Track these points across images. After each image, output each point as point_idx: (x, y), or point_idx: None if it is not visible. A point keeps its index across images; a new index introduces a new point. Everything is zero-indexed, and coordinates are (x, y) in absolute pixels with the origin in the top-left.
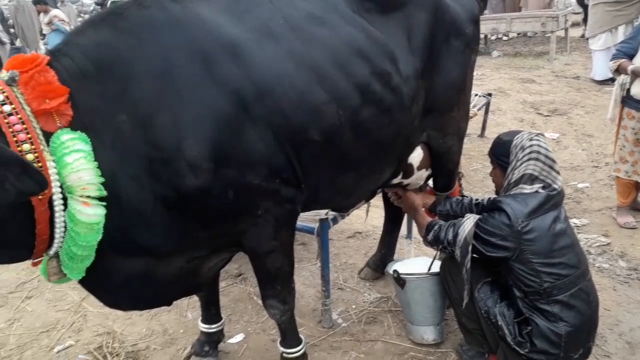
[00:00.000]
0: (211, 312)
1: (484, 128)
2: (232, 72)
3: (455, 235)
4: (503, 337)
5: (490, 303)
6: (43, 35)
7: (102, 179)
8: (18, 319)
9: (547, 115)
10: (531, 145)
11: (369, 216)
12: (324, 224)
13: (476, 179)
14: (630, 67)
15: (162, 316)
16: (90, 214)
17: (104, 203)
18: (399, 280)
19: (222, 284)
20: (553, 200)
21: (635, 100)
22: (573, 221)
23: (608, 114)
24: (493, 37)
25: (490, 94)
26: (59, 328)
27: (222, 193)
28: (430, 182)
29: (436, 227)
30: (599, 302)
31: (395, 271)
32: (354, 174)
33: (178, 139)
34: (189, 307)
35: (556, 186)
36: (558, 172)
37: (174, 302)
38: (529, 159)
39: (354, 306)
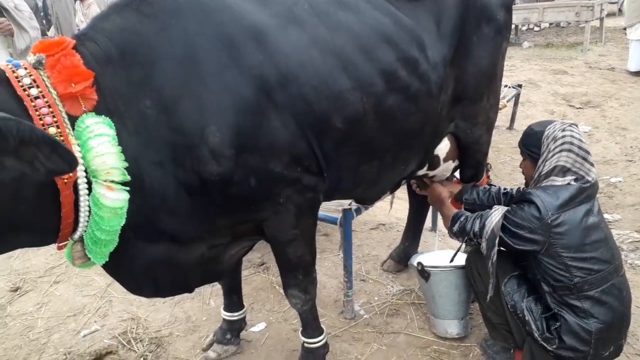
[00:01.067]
0: (233, 300)
1: (513, 120)
2: (255, 58)
3: (482, 227)
4: (530, 332)
5: (518, 297)
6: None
7: (125, 164)
8: (46, 303)
9: (580, 108)
10: (564, 136)
11: (393, 208)
12: (347, 214)
13: (504, 172)
14: None
15: (186, 303)
16: (114, 199)
17: (128, 188)
18: (423, 273)
19: (244, 273)
20: (586, 192)
21: None
22: (605, 216)
23: None
24: (524, 28)
25: (520, 85)
26: (86, 313)
27: (243, 180)
28: (457, 174)
29: (462, 218)
30: (632, 299)
31: (419, 263)
32: (377, 163)
33: (201, 125)
34: (212, 295)
35: (590, 178)
36: (592, 164)
37: (197, 290)
38: (561, 150)
39: (376, 298)
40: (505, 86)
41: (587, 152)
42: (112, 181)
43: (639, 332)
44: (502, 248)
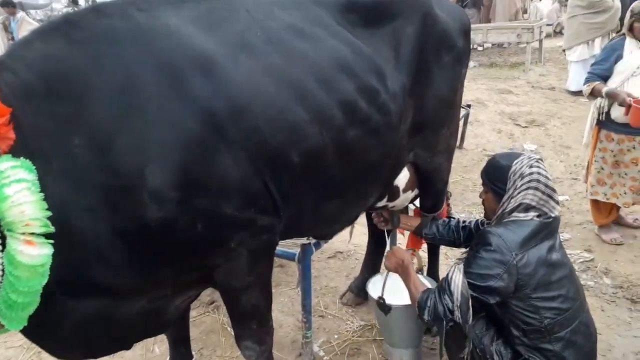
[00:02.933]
0: (180, 351)
1: (462, 139)
2: (201, 88)
3: (452, 297)
4: None
5: (487, 341)
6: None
7: (48, 213)
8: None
9: (525, 127)
10: (531, 173)
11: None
12: (307, 249)
13: (456, 191)
14: (604, 90)
15: (126, 352)
16: (34, 255)
17: (51, 241)
18: (384, 307)
19: (192, 313)
20: (548, 228)
21: (615, 122)
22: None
23: (584, 139)
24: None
25: (469, 105)
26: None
27: (189, 225)
28: (417, 202)
29: (429, 303)
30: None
31: (380, 298)
32: (338, 200)
33: (139, 165)
34: (157, 341)
35: (552, 214)
36: (557, 202)
37: None
38: (528, 188)
39: (336, 336)
40: None
41: (553, 190)
42: (33, 234)
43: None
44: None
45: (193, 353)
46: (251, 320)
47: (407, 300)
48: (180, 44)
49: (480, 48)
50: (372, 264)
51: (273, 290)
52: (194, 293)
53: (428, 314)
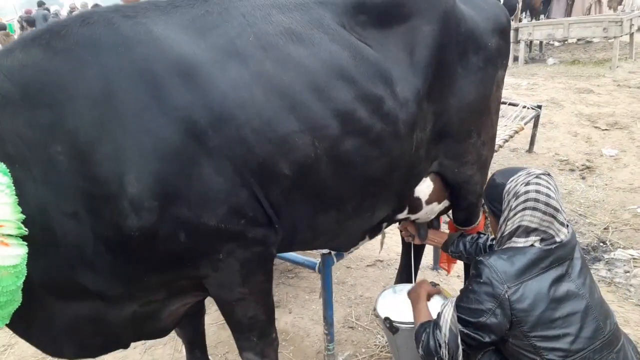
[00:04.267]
0: (196, 355)
1: (532, 143)
2: (182, 97)
3: (440, 331)
4: None
5: None
6: None
7: (22, 216)
8: (12, 345)
9: (605, 129)
10: (527, 192)
11: (394, 242)
12: (327, 259)
13: None
14: None
15: (157, 350)
16: (8, 256)
17: (25, 242)
18: (392, 328)
19: (220, 317)
20: (553, 255)
21: None
22: (630, 252)
23: None
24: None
25: (539, 106)
26: (49, 358)
27: (171, 235)
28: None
29: (423, 337)
30: None
31: (387, 319)
32: (336, 213)
33: (119, 173)
34: None
35: (559, 239)
36: (563, 223)
37: (171, 335)
38: (524, 209)
39: (363, 349)
40: (524, 107)
41: (556, 210)
42: (9, 235)
43: None
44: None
45: (211, 358)
46: (250, 333)
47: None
48: (162, 51)
49: (557, 43)
50: (406, 276)
51: (305, 297)
52: (191, 300)
53: (421, 347)
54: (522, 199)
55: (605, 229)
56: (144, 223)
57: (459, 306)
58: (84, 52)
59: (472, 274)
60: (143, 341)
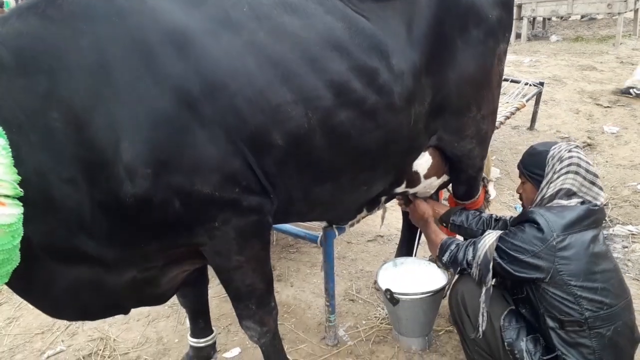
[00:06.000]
0: (199, 324)
1: (534, 120)
2: (175, 66)
3: (475, 252)
4: None
5: (515, 335)
6: None
7: (18, 177)
8: (17, 318)
9: (607, 107)
10: (571, 157)
11: (395, 217)
12: (329, 232)
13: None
14: None
15: (160, 322)
16: (4, 214)
17: (20, 203)
18: (392, 299)
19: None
20: (594, 216)
21: None
22: (629, 228)
23: None
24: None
25: (542, 83)
26: (54, 330)
27: (166, 203)
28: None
29: (453, 247)
30: None
31: (388, 291)
32: (331, 185)
33: (114, 141)
34: None
35: (598, 202)
36: (601, 188)
37: (174, 308)
38: (567, 172)
39: (364, 322)
40: (526, 84)
41: (595, 176)
42: (5, 195)
43: None
44: (499, 277)
45: (214, 328)
46: (249, 300)
47: (415, 292)
48: (156, 21)
49: (556, 19)
50: (406, 250)
51: (307, 271)
52: (190, 268)
53: (449, 256)
54: (566, 163)
55: (605, 205)
56: (138, 190)
57: (503, 238)
58: (79, 21)
59: (522, 220)
60: (147, 314)
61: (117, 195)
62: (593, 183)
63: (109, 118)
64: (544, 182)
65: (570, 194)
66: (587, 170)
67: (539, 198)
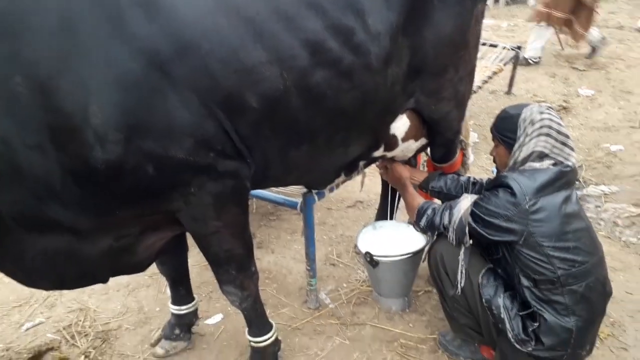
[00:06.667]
0: (180, 292)
1: (511, 84)
2: (143, 26)
3: (450, 217)
4: (504, 332)
5: (492, 292)
6: None
7: None
8: None
9: (583, 70)
10: (542, 119)
11: (373, 183)
12: (308, 198)
13: None
14: None
15: (140, 292)
16: None
17: None
18: (372, 262)
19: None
20: (565, 177)
21: None
22: (601, 188)
23: None
24: None
25: (519, 47)
26: (32, 303)
27: (138, 168)
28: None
29: (429, 212)
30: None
31: (367, 253)
32: (307, 147)
33: (82, 105)
34: None
35: (569, 163)
36: (572, 148)
37: (154, 277)
38: (539, 135)
39: (344, 285)
40: (504, 48)
41: (567, 136)
42: None
43: (626, 322)
44: (475, 239)
45: (195, 296)
46: (228, 265)
47: (395, 254)
48: None
49: None
50: (384, 215)
51: (288, 238)
52: (167, 235)
53: (426, 220)
54: (537, 125)
55: (579, 166)
56: (109, 155)
57: (477, 203)
58: None
59: (495, 185)
60: (126, 284)
61: (87, 161)
62: (564, 144)
63: (76, 81)
64: (516, 146)
65: (542, 156)
66: (558, 132)
67: (512, 161)
